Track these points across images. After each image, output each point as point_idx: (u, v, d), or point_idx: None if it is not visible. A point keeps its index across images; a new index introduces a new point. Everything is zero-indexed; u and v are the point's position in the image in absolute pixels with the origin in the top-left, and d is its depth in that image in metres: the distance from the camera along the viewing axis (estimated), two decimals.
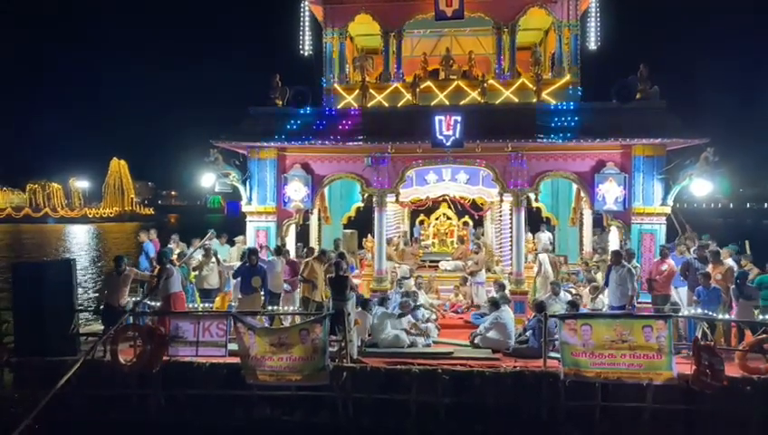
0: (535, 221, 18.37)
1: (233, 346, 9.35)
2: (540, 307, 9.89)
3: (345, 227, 17.16)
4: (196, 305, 11.78)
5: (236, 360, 9.19)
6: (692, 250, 11.73)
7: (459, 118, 11.49)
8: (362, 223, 17.33)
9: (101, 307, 10.89)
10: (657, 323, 8.39)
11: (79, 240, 66.96)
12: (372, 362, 9.34)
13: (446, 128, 11.50)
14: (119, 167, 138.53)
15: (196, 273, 12.34)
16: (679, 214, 13.50)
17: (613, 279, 10.11)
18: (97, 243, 62.16)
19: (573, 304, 10.29)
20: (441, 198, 17.05)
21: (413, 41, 17.36)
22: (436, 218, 18.21)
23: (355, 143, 12.15)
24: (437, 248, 17.91)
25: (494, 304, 10.77)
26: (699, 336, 8.89)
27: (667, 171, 11.88)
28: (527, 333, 10.20)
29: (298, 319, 10.06)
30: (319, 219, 17.08)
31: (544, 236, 17.71)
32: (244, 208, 13.15)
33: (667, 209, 11.96)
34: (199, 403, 9.45)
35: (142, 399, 9.67)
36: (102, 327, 10.41)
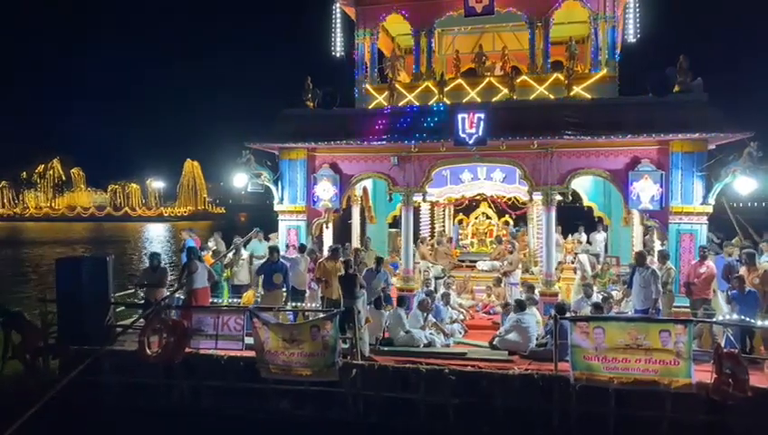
0: (588, 221, 17.84)
1: (249, 340, 9.63)
2: (560, 309, 9.60)
3: (390, 226, 17.22)
4: (221, 301, 12.20)
5: (252, 353, 9.46)
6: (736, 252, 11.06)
7: (482, 115, 11.31)
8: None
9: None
10: (677, 328, 7.96)
11: (153, 236, 70.94)
12: (384, 360, 9.38)
13: (469, 125, 11.35)
14: (192, 168, 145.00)
15: (229, 270, 12.77)
16: (739, 216, 12.79)
17: (637, 281, 9.68)
18: (170, 239, 65.45)
19: (597, 307, 9.91)
20: (479, 197, 16.82)
21: (453, 39, 17.27)
22: (476, 218, 17.95)
23: (379, 143, 12.20)
24: (476, 248, 17.65)
25: (519, 306, 10.54)
26: (723, 344, 8.34)
27: (707, 168, 11.21)
28: (548, 336, 9.92)
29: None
30: (363, 218, 17.27)
31: (600, 236, 17.18)
32: (276, 208, 13.49)
33: (709, 208, 11.28)
34: (218, 394, 9.81)
35: (168, 388, 10.14)
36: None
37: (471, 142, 11.39)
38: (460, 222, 18.58)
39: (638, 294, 9.67)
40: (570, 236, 16.96)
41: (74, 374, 9.87)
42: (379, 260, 11.19)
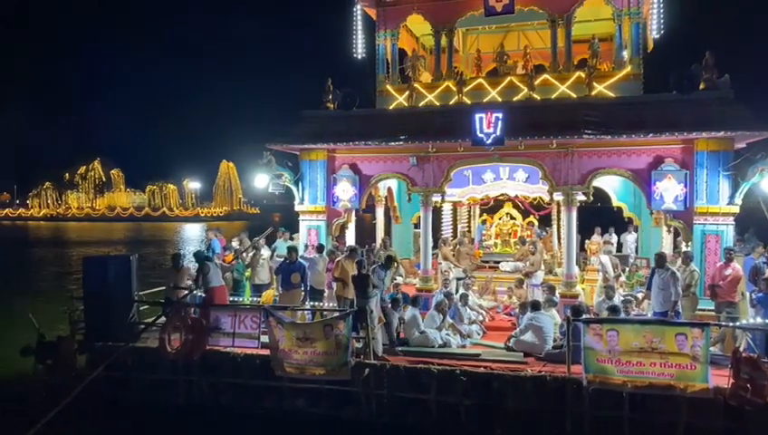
0: (619, 222, 17.51)
1: (265, 338, 9.78)
2: (576, 311, 9.45)
3: (416, 226, 17.22)
4: (242, 299, 12.40)
5: (268, 352, 9.60)
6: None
7: (500, 115, 11.23)
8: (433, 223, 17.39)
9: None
10: (693, 332, 7.76)
11: (189, 236, 72.50)
12: (397, 360, 9.40)
13: (487, 125, 11.29)
14: (227, 169, 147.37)
15: (250, 269, 12.98)
16: None
17: (656, 283, 9.47)
18: (205, 239, 66.67)
19: (613, 309, 9.72)
20: (503, 198, 16.67)
21: (478, 38, 17.18)
22: (499, 218, 17.79)
23: (396, 143, 12.23)
24: (500, 249, 17.46)
25: (534, 306, 10.42)
26: (741, 348, 8.09)
27: (734, 167, 10.89)
28: (564, 338, 9.76)
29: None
30: (388, 219, 17.33)
31: (631, 237, 16.86)
32: (297, 208, 13.65)
33: (735, 209, 10.96)
34: (235, 391, 9.99)
35: (188, 384, 10.37)
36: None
37: (489, 142, 11.33)
38: (484, 222, 18.45)
39: (657, 296, 9.46)
40: (593, 237, 16.66)
41: (100, 370, 10.26)
42: (388, 258, 11.15)
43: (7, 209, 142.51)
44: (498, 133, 11.21)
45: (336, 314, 9.64)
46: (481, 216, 18.73)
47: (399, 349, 9.90)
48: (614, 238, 17.88)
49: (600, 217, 17.60)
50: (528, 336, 9.90)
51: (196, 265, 10.95)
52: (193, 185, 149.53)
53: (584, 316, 9.39)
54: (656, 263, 9.77)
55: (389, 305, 10.36)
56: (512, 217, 17.78)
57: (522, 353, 9.74)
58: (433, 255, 14.99)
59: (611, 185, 14.74)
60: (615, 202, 15.62)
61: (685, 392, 7.67)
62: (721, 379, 7.78)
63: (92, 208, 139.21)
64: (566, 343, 8.84)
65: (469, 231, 18.50)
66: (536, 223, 17.69)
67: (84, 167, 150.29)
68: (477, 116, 11.32)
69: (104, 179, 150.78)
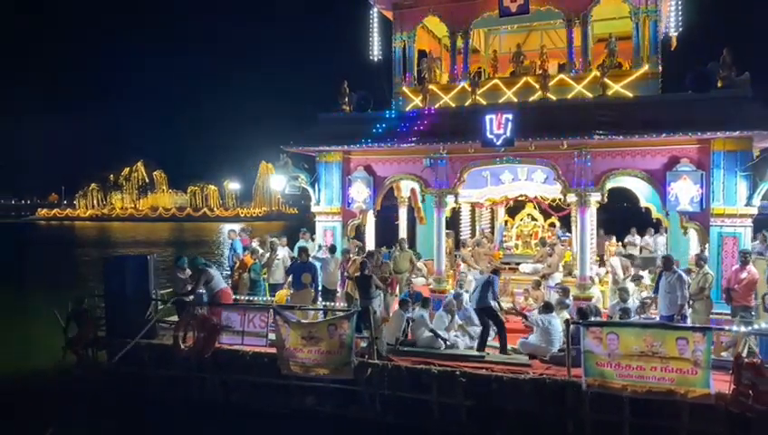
0: (646, 223, 17.16)
1: (273, 337, 10.00)
2: (582, 313, 9.37)
3: None
4: (265, 299, 12.67)
5: (275, 350, 9.83)
6: None
7: (510, 116, 11.19)
8: (454, 223, 17.38)
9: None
10: (695, 336, 7.60)
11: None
12: (401, 360, 9.48)
13: (497, 126, 11.27)
14: (267, 170, 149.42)
15: (266, 269, 13.25)
16: None
17: (662, 286, 9.29)
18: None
19: (625, 311, 9.59)
20: (523, 199, 16.54)
21: (500, 38, 17.09)
22: (521, 220, 17.63)
23: (408, 145, 12.31)
24: (521, 250, 17.29)
25: (546, 307, 10.34)
26: (743, 352, 7.88)
27: (752, 167, 10.57)
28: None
29: None
30: (413, 220, 17.38)
31: (661, 239, 16.52)
32: (313, 209, 13.87)
33: (753, 210, 10.64)
34: (247, 389, 10.26)
35: (201, 381, 10.69)
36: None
37: (498, 143, 11.30)
38: (505, 223, 18.32)
39: (664, 300, 9.29)
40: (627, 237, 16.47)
41: (115, 364, 10.71)
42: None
43: (55, 210, 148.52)
44: (508, 134, 11.18)
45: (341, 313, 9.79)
46: (504, 217, 18.61)
47: (404, 349, 9.97)
48: (637, 239, 17.57)
49: (639, 217, 17.27)
50: (533, 338, 9.84)
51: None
52: (233, 186, 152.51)
53: (592, 319, 9.32)
54: (663, 265, 9.59)
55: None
56: (533, 219, 17.60)
57: (527, 356, 9.69)
58: (459, 256, 15.04)
59: (637, 186, 14.44)
60: (643, 203, 15.30)
61: (685, 398, 7.52)
62: (726, 384, 7.60)
63: (136, 209, 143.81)
64: (570, 346, 8.76)
65: (492, 232, 18.40)
66: (558, 224, 17.48)
67: (128, 168, 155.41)
68: (487, 117, 11.31)
69: (147, 180, 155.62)
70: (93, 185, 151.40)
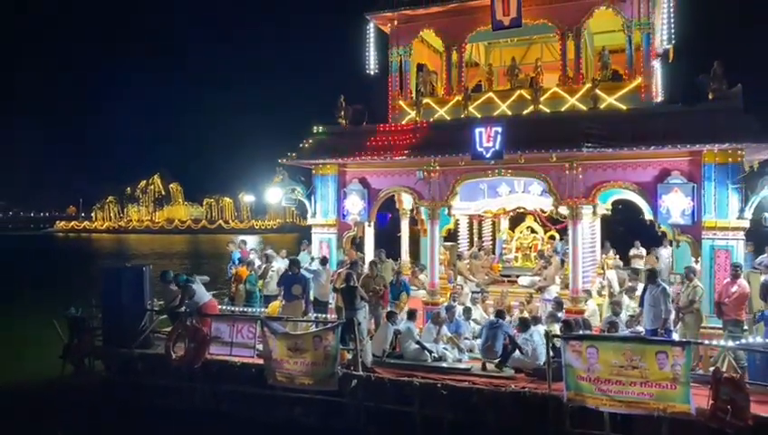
0: (652, 236, 17.01)
1: (261, 347, 10.10)
2: (568, 326, 9.33)
3: (445, 239, 17.22)
4: (259, 310, 12.77)
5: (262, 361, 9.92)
6: None
7: (500, 129, 11.26)
8: (455, 236, 17.39)
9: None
10: (674, 350, 7.54)
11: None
12: (387, 373, 9.50)
13: (487, 139, 11.33)
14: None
15: (262, 281, 13.39)
16: None
17: (647, 300, 9.23)
18: (261, 250, 68.28)
19: (612, 324, 9.53)
20: (521, 211, 16.54)
21: (501, 51, 17.17)
22: (520, 232, 17.60)
23: (401, 157, 12.41)
24: (520, 263, 17.26)
25: (523, 325, 10.30)
26: (722, 367, 7.79)
27: (743, 180, 10.50)
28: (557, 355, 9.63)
29: None
30: (416, 232, 17.41)
31: (666, 252, 16.38)
32: (309, 221, 14.01)
33: (745, 223, 10.55)
34: (235, 398, 10.34)
35: (192, 391, 10.81)
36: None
37: (488, 156, 11.36)
38: (505, 235, 18.27)
39: (648, 313, 9.23)
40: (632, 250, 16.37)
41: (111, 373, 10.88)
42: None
43: (73, 222, 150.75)
44: (497, 147, 11.24)
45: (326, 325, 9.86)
46: (506, 229, 18.57)
47: (390, 361, 9.99)
48: (642, 252, 17.40)
49: (646, 229, 17.20)
50: (517, 352, 9.79)
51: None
52: (248, 198, 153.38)
53: (580, 332, 9.27)
54: (647, 279, 9.53)
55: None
56: (533, 231, 17.57)
57: (513, 370, 9.64)
58: (455, 268, 15.01)
59: (639, 198, 14.38)
60: (647, 215, 15.22)
61: (665, 413, 7.45)
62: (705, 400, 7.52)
63: (152, 221, 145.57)
64: (554, 360, 8.73)
65: (493, 245, 18.38)
66: (557, 237, 17.42)
67: (145, 181, 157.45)
68: (477, 130, 11.40)
69: (163, 193, 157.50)
70: (110, 197, 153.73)
